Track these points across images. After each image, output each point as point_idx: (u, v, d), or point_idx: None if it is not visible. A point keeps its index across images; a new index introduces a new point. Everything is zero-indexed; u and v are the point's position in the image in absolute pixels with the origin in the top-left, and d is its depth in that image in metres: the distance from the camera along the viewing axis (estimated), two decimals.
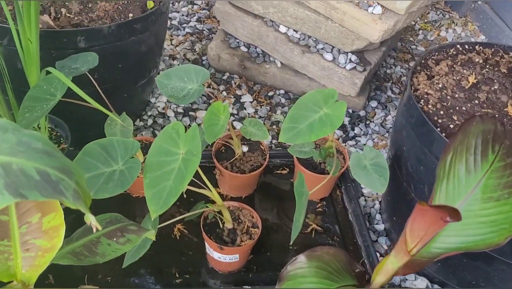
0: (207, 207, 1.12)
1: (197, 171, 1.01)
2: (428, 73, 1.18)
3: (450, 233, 0.73)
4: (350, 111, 1.74)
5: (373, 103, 1.77)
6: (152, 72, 1.48)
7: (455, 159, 0.74)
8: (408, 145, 1.11)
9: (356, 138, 1.65)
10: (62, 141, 1.25)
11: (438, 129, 1.02)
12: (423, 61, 1.22)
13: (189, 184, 1.05)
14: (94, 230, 0.46)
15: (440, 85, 1.13)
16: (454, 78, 1.15)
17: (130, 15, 1.29)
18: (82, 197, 0.46)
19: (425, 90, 1.12)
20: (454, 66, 1.19)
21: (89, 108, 1.13)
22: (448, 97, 1.10)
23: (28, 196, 0.41)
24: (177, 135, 0.93)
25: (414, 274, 1.24)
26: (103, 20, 1.25)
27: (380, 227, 1.36)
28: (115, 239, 0.81)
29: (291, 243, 1.03)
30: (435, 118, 1.05)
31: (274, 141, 1.60)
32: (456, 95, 1.10)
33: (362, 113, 1.73)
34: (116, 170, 0.92)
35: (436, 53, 1.25)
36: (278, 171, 1.47)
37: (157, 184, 0.89)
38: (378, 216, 1.39)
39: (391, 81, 1.90)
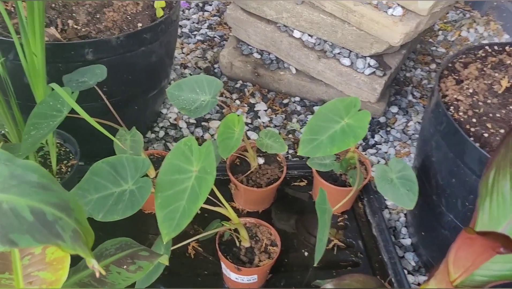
0: (222, 225, 1.06)
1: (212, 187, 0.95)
2: (457, 77, 1.11)
3: (496, 259, 0.65)
4: (370, 117, 1.66)
5: (394, 109, 1.69)
6: (163, 82, 1.43)
7: (498, 176, 0.67)
8: (437, 156, 1.04)
9: (377, 146, 1.57)
10: (71, 157, 1.20)
11: (471, 138, 0.94)
12: (450, 65, 1.14)
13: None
14: (97, 274, 0.40)
15: (470, 90, 1.05)
16: (485, 82, 1.07)
17: (139, 25, 1.24)
18: (82, 237, 0.40)
19: (455, 96, 1.04)
20: (484, 69, 1.11)
21: (98, 122, 1.08)
22: (480, 103, 1.03)
23: (19, 242, 0.35)
24: (190, 151, 0.87)
25: None
26: (111, 30, 1.20)
27: (407, 241, 1.29)
28: (125, 266, 0.75)
29: (315, 265, 0.96)
30: (467, 126, 0.98)
31: (290, 151, 1.53)
32: (489, 101, 1.03)
33: (382, 119, 1.66)
34: (126, 190, 0.86)
35: (464, 56, 1.17)
36: (296, 183, 1.40)
37: (170, 204, 0.83)
38: (404, 230, 1.31)
39: (411, 85, 1.82)
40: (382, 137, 1.60)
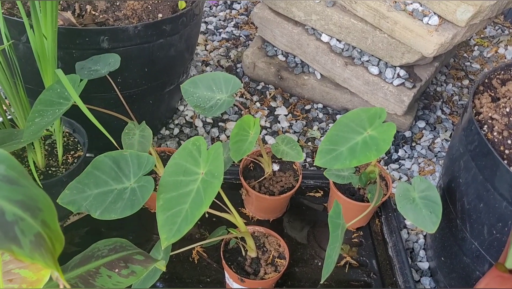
0: (228, 232, 1.00)
1: (220, 191, 0.89)
2: (493, 94, 1.02)
3: None
4: (395, 130, 1.58)
5: (421, 124, 1.61)
6: (181, 78, 1.38)
7: None
8: (465, 178, 0.96)
9: (400, 161, 1.49)
10: (79, 148, 1.16)
11: (505, 161, 0.86)
12: (486, 80, 1.06)
13: (210, 206, 0.93)
14: (61, 287, 0.34)
15: (507, 109, 0.97)
16: None
17: (160, 15, 1.19)
18: (47, 244, 0.34)
19: (489, 114, 0.96)
20: None
21: (109, 113, 1.04)
22: None
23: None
24: (198, 152, 0.81)
25: None
26: (129, 19, 1.15)
27: (424, 265, 1.20)
28: (117, 270, 0.70)
29: (321, 282, 0.89)
30: (501, 148, 0.90)
31: (308, 159, 1.46)
32: None
33: (407, 133, 1.58)
34: (127, 187, 0.81)
35: (502, 72, 1.09)
36: (311, 193, 1.33)
37: (172, 207, 0.77)
38: (422, 253, 1.23)
39: (441, 100, 1.73)
40: (406, 152, 1.52)
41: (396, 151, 1.52)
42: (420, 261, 1.22)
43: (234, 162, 1.32)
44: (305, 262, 1.16)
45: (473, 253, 0.98)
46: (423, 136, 1.58)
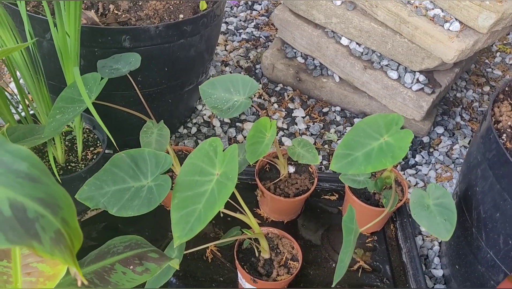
0: (242, 233, 1.01)
1: (234, 192, 0.90)
2: None
3: None
4: (412, 137, 1.57)
5: (439, 129, 1.60)
6: (201, 77, 1.39)
7: None
8: (482, 186, 0.95)
9: (417, 166, 1.48)
10: (99, 144, 1.18)
11: None
12: (507, 88, 1.05)
13: (225, 207, 0.94)
14: (79, 283, 0.36)
15: None
16: None
17: (181, 16, 1.20)
18: (66, 240, 0.35)
19: (509, 123, 0.95)
20: None
21: (128, 112, 1.05)
22: None
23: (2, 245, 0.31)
24: (214, 153, 0.82)
25: None
26: (151, 19, 1.17)
27: (438, 273, 1.19)
28: (131, 267, 0.71)
29: (332, 286, 0.89)
30: None
31: (324, 162, 1.46)
32: None
33: (425, 139, 1.57)
34: (145, 186, 0.82)
35: None
36: (326, 196, 1.33)
37: (186, 206, 0.78)
38: (436, 260, 1.22)
39: (461, 106, 1.71)
40: (423, 158, 1.51)
41: (414, 157, 1.51)
42: (434, 268, 1.21)
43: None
44: (318, 265, 1.17)
45: (488, 263, 0.97)
46: (441, 142, 1.56)
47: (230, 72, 1.73)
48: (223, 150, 0.82)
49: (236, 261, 1.01)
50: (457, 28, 1.28)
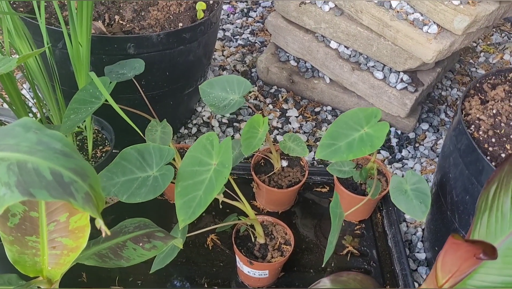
0: (239, 219, 1.11)
1: (232, 183, 1.01)
2: (482, 97, 1.12)
3: (490, 271, 0.67)
4: (399, 132, 1.68)
5: (424, 126, 1.70)
6: (199, 81, 1.50)
7: (499, 191, 0.69)
8: (454, 173, 1.05)
9: (403, 160, 1.59)
10: (107, 143, 1.28)
11: (488, 157, 0.96)
12: (477, 85, 1.15)
13: (224, 196, 1.04)
14: (103, 234, 0.46)
15: (494, 111, 1.06)
16: (511, 104, 1.08)
17: (180, 24, 1.31)
18: (94, 201, 0.46)
19: (477, 116, 1.05)
20: None
21: (133, 113, 1.16)
22: (502, 124, 1.03)
23: (37, 195, 0.42)
24: (211, 146, 0.92)
25: None
26: (153, 28, 1.28)
27: (421, 256, 1.29)
28: (141, 244, 0.81)
29: (323, 265, 1.00)
30: (486, 145, 0.99)
31: (317, 158, 1.57)
32: None
33: (411, 135, 1.67)
34: (150, 176, 0.93)
35: (493, 77, 1.18)
36: (317, 189, 1.43)
37: (188, 194, 0.89)
38: (420, 244, 1.32)
39: (445, 104, 1.82)
40: (409, 152, 1.61)
41: (400, 151, 1.61)
42: (417, 252, 1.31)
43: (246, 158, 1.44)
44: (310, 251, 1.27)
45: None
46: (426, 137, 1.67)
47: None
48: (219, 143, 0.93)
49: (234, 246, 1.11)
50: (435, 30, 1.39)
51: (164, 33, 1.21)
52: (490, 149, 0.98)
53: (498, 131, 1.02)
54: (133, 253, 0.80)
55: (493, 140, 1.00)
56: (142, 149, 0.95)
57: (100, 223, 0.45)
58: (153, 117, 1.16)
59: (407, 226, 1.37)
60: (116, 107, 0.95)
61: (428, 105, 1.79)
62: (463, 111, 1.08)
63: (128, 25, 1.26)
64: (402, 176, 1.54)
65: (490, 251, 0.52)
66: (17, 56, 0.89)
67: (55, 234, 0.71)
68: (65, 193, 0.43)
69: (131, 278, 1.16)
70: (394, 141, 1.65)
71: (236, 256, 1.14)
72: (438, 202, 1.14)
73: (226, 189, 1.08)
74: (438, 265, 0.62)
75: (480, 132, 1.02)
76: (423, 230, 1.36)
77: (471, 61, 2.06)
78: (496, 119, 1.04)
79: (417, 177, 1.04)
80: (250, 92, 1.77)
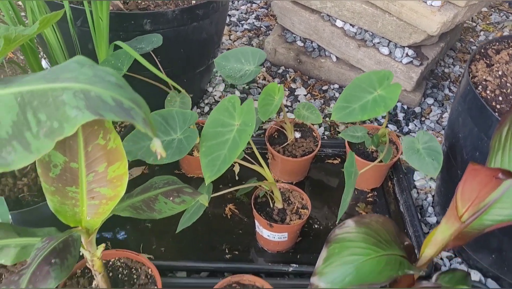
0: (258, 184, 1.15)
1: (252, 145, 1.05)
2: (488, 62, 1.16)
3: (505, 205, 0.71)
4: (405, 107, 1.72)
5: (430, 100, 1.74)
6: (210, 60, 1.54)
7: (511, 132, 0.73)
8: (464, 132, 1.10)
9: (411, 134, 1.63)
10: None
11: (496, 114, 1.00)
12: (482, 50, 1.20)
13: (240, 167, 1.08)
14: (159, 156, 0.50)
15: (499, 73, 1.10)
16: None
17: (193, 1, 1.35)
18: (150, 125, 0.50)
19: (484, 77, 1.10)
20: None
21: (151, 86, 1.20)
22: (508, 84, 1.08)
23: (105, 115, 0.46)
24: (233, 108, 0.97)
25: (467, 266, 1.21)
26: (168, 5, 1.32)
27: (432, 220, 1.34)
28: (171, 198, 0.85)
29: (337, 221, 1.04)
30: (493, 103, 1.04)
31: (326, 133, 1.61)
32: None
33: (417, 109, 1.71)
34: (175, 139, 0.97)
35: (497, 43, 1.22)
36: (329, 161, 1.48)
37: (212, 153, 0.93)
38: (430, 209, 1.37)
39: (449, 80, 1.86)
40: (416, 126, 1.65)
41: (407, 125, 1.65)
42: (428, 217, 1.35)
43: (259, 134, 1.48)
44: (324, 218, 1.31)
45: None
46: (431, 111, 1.71)
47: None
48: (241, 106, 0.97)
49: (254, 210, 1.15)
50: (439, 3, 1.43)
51: (179, 9, 1.25)
52: (498, 106, 1.03)
53: (504, 90, 1.06)
54: (164, 207, 0.84)
55: (500, 98, 1.04)
56: (165, 114, 0.99)
57: (156, 145, 0.49)
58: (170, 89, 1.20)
59: (417, 192, 1.42)
60: (141, 59, 0.98)
61: (432, 82, 1.84)
62: (470, 74, 1.12)
63: (143, 3, 1.30)
64: None
65: (508, 173, 0.57)
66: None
67: (93, 184, 0.75)
68: (128, 115, 0.47)
69: (154, 246, 1.20)
70: (401, 116, 1.69)
71: (256, 221, 1.18)
72: (448, 164, 1.18)
73: (245, 156, 1.12)
74: (458, 195, 0.66)
75: (488, 92, 1.06)
76: (433, 196, 1.40)
77: (471, 40, 2.11)
78: (502, 80, 1.09)
79: (428, 136, 1.08)
80: (256, 75, 1.81)
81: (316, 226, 1.28)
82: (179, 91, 1.16)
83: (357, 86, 1.06)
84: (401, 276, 0.83)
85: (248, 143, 0.92)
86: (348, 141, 1.32)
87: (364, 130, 1.25)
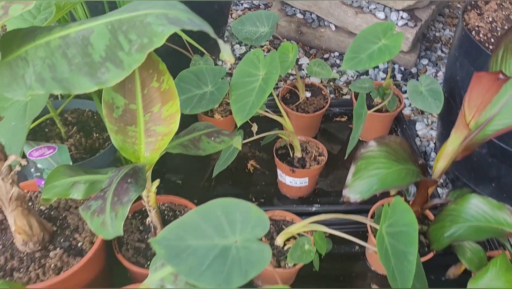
0: (279, 136, 1.27)
1: (274, 96, 1.16)
2: (478, 11, 1.29)
3: (503, 116, 0.84)
4: (402, 68, 1.85)
5: (424, 61, 1.87)
6: (219, 34, 1.65)
7: (506, 55, 0.85)
8: (461, 74, 1.22)
9: None
10: None
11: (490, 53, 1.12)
12: (473, 2, 1.32)
13: (259, 126, 1.20)
14: (228, 65, 0.62)
15: (490, 19, 1.23)
16: (504, 13, 1.25)
17: None
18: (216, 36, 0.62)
19: (476, 24, 1.22)
20: (503, 4, 1.29)
21: (170, 56, 1.31)
22: (498, 28, 1.21)
23: (186, 27, 0.58)
24: (258, 60, 1.08)
25: None
26: None
27: None
28: (212, 138, 0.97)
29: (345, 158, 1.16)
30: (487, 45, 1.16)
31: (331, 96, 1.73)
32: (506, 27, 1.21)
33: (413, 70, 1.84)
34: (207, 91, 1.08)
35: None
36: (337, 119, 1.60)
37: (241, 100, 1.04)
38: (433, 155, 1.50)
39: (440, 43, 1.99)
40: None
41: (405, 84, 1.78)
42: (431, 161, 1.48)
43: (272, 98, 1.59)
44: (337, 168, 1.43)
45: None
46: (427, 70, 1.84)
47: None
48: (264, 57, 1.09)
49: (276, 159, 1.27)
50: None
51: None
52: (491, 47, 1.16)
53: (495, 33, 1.19)
54: (207, 145, 0.96)
55: (492, 40, 1.17)
56: (196, 71, 1.11)
57: (225, 51, 0.60)
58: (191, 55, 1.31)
59: (420, 140, 1.55)
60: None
61: (425, 44, 1.97)
62: (464, 22, 1.25)
63: None
64: (410, 104, 1.71)
65: (507, 76, 0.69)
66: None
67: (150, 123, 0.86)
68: (201, 27, 0.59)
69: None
70: (399, 77, 1.82)
71: (278, 169, 1.30)
72: (448, 108, 1.31)
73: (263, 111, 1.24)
74: (465, 103, 0.79)
75: (481, 35, 1.19)
76: (434, 143, 1.53)
77: (458, 5, 2.24)
78: (493, 25, 1.22)
79: (430, 79, 1.20)
80: (262, 46, 1.93)
81: (329, 176, 1.40)
82: (202, 55, 1.27)
83: (363, 38, 1.19)
84: (417, 193, 0.96)
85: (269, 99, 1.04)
86: (355, 97, 1.44)
87: (371, 81, 1.37)
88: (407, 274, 0.77)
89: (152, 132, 0.87)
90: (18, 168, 0.81)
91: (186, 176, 1.37)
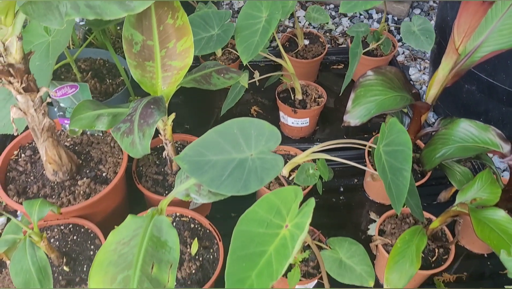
0: (280, 78, 1.35)
1: (277, 40, 1.24)
2: None
3: (488, 43, 0.92)
4: (396, 18, 1.91)
5: (417, 11, 1.94)
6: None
7: None
8: (452, 14, 1.30)
9: (403, 41, 1.83)
10: None
11: None
12: None
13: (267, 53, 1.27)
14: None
15: None
16: None
17: None
18: None
19: None
20: None
21: None
22: None
23: None
24: (260, 3, 1.15)
25: None
26: None
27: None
28: (222, 75, 1.05)
29: (340, 94, 1.25)
30: None
31: (328, 45, 1.80)
32: None
33: (406, 19, 1.91)
34: (214, 34, 1.15)
35: None
36: (334, 66, 1.68)
37: (247, 40, 1.12)
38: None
39: None
40: None
41: (399, 33, 1.85)
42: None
43: (273, 47, 1.66)
44: (337, 110, 1.52)
45: None
46: None
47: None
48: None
49: (278, 101, 1.35)
50: None
51: None
52: None
53: None
54: (218, 81, 1.04)
55: None
56: (203, 15, 1.17)
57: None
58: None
59: (413, 84, 1.63)
60: None
61: None
62: None
63: None
64: (403, 52, 1.79)
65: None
66: None
67: (166, 58, 0.93)
68: None
69: None
70: (392, 27, 1.89)
71: (280, 111, 1.38)
72: (439, 49, 1.39)
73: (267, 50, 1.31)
74: (454, 30, 0.86)
75: None
76: (427, 86, 1.62)
77: None
78: None
79: (422, 19, 1.28)
80: None
81: (328, 118, 1.49)
82: (206, 3, 1.34)
83: None
84: (412, 121, 1.04)
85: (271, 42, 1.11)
86: (351, 42, 1.51)
87: (366, 26, 1.45)
88: (401, 188, 0.87)
89: (168, 67, 0.94)
90: (48, 99, 0.88)
91: (194, 124, 1.45)
